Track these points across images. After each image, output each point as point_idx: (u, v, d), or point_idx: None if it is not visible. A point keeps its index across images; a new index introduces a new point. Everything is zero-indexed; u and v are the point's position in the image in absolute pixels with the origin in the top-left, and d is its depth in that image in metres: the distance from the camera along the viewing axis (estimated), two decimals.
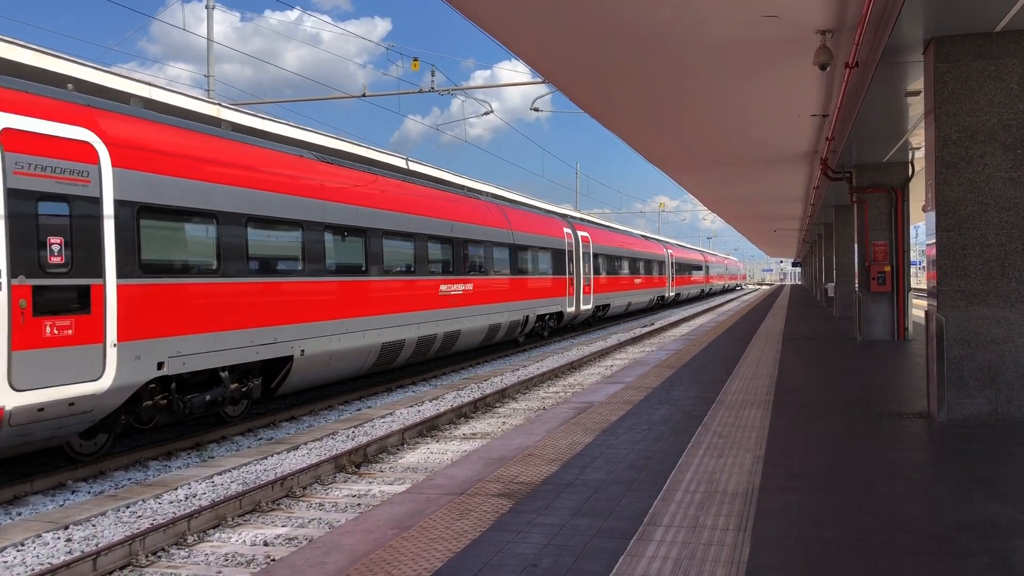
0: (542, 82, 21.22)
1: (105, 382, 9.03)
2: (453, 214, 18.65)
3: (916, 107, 10.83)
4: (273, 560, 6.54)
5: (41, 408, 8.31)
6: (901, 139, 13.65)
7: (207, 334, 10.64)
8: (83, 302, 8.81)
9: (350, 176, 14.78)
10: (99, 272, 9.04)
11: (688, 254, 60.27)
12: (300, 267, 12.69)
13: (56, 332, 8.47)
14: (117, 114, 9.93)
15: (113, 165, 9.31)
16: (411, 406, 13.67)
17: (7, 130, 8.18)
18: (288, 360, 12.36)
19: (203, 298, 10.65)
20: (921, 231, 26.75)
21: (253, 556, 6.71)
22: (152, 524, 7.41)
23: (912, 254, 18.22)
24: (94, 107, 9.58)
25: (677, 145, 16.09)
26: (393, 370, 17.60)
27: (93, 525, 7.56)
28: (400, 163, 25.29)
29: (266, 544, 7.03)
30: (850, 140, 13.45)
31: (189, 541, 7.08)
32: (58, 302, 8.53)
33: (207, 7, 22.85)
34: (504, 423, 12.31)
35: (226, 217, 11.13)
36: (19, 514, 8.18)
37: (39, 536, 7.19)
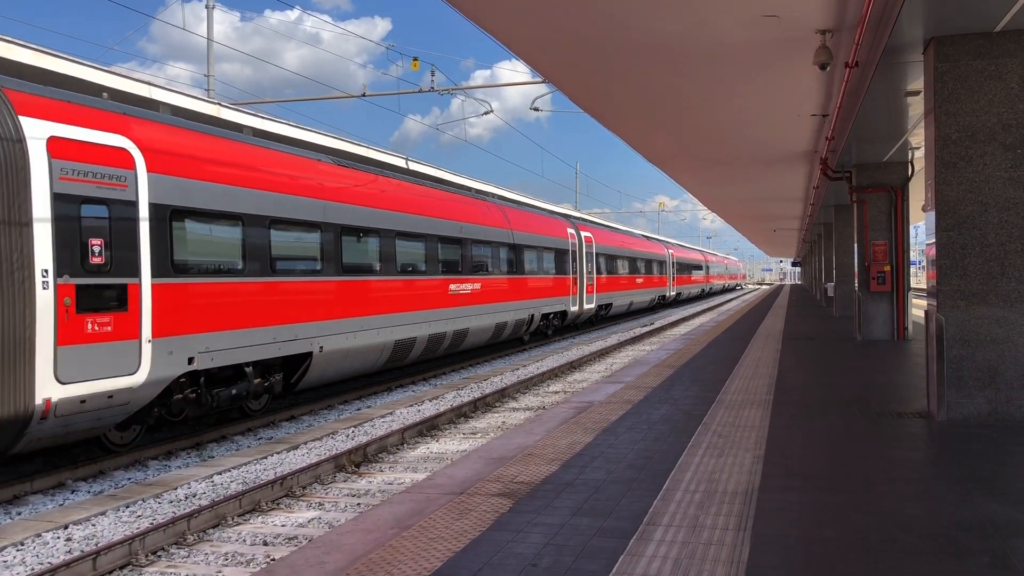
0: (542, 82, 21.22)
1: (140, 376, 9.53)
2: (461, 215, 19.10)
3: (916, 107, 10.83)
4: (273, 559, 6.54)
5: (83, 400, 8.78)
6: (901, 139, 13.65)
7: (233, 331, 11.13)
8: (121, 300, 9.30)
9: (366, 179, 15.29)
10: (135, 272, 9.53)
11: (689, 254, 60.35)
12: (319, 267, 13.16)
13: (97, 328, 8.95)
14: (150, 121, 10.42)
15: (148, 170, 9.79)
16: (411, 406, 13.67)
17: (53, 138, 8.65)
18: (308, 356, 12.82)
19: (230, 296, 11.13)
20: (921, 231, 26.75)
21: (253, 555, 6.71)
22: (152, 524, 7.41)
23: (912, 254, 18.22)
24: (129, 115, 10.05)
25: (677, 145, 16.08)
26: (393, 370, 17.65)
27: (93, 525, 7.56)
28: (400, 163, 25.29)
29: (266, 543, 7.03)
30: (850, 140, 13.45)
31: (189, 540, 7.08)
32: (98, 300, 9.01)
33: (207, 7, 22.85)
34: (504, 423, 12.31)
35: (251, 219, 11.60)
36: (19, 513, 8.19)
37: (39, 536, 7.19)
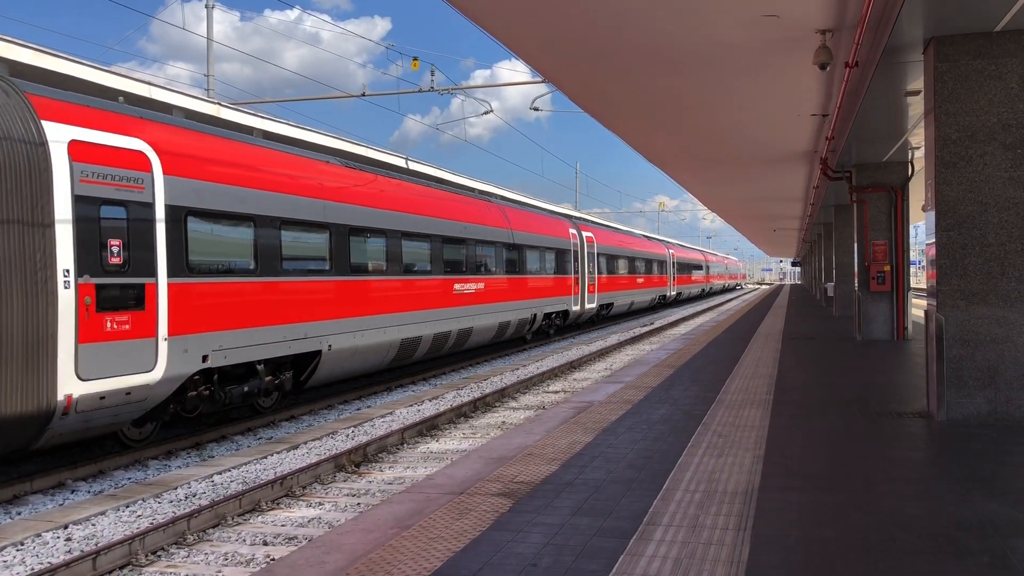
0: (542, 81, 21.22)
1: (157, 373, 9.77)
2: (465, 216, 19.35)
3: (916, 107, 10.83)
4: (273, 559, 6.54)
5: (103, 397, 9.03)
6: (901, 139, 13.65)
7: (246, 329, 11.38)
8: (139, 299, 9.55)
9: (373, 181, 15.56)
10: (152, 272, 9.77)
11: (689, 254, 60.41)
12: (328, 267, 13.43)
13: (115, 327, 9.19)
14: (165, 124, 10.65)
15: (164, 173, 10.02)
16: (411, 405, 13.67)
17: (74, 142, 8.88)
18: (317, 355, 13.06)
19: (242, 296, 11.38)
20: (921, 231, 26.76)
21: (253, 555, 6.71)
22: (152, 523, 7.41)
23: (912, 254, 18.22)
24: (145, 118, 10.30)
25: (677, 145, 16.08)
26: (393, 369, 17.67)
27: (93, 524, 7.56)
28: (399, 162, 25.29)
29: (266, 543, 7.03)
30: (850, 140, 13.45)
31: (189, 540, 7.08)
32: (117, 299, 9.25)
33: (207, 6, 22.84)
34: (504, 422, 12.31)
35: (262, 220, 11.84)
36: (19, 513, 8.19)
37: (39, 535, 7.19)
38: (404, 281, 15.87)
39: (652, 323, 34.72)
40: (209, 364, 10.64)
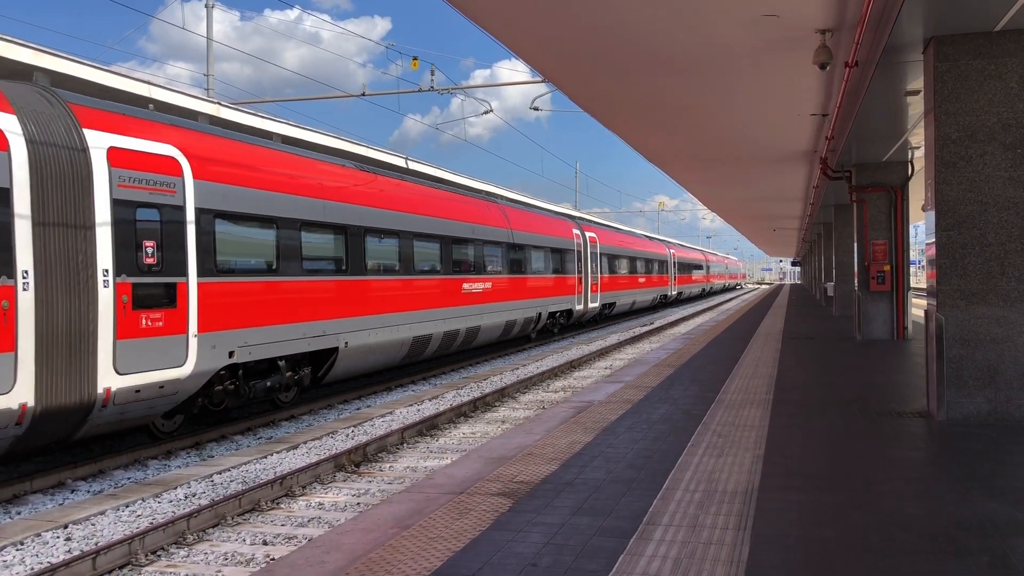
0: (542, 81, 21.20)
1: (187, 368, 10.25)
2: (473, 217, 19.82)
3: (916, 106, 10.82)
4: (273, 559, 6.54)
5: (138, 390, 9.56)
6: (901, 138, 13.64)
7: (269, 327, 11.88)
8: (171, 298, 10.05)
9: (387, 183, 16.08)
10: (183, 271, 10.27)
11: (690, 254, 60.50)
12: (345, 267, 13.91)
13: (150, 324, 9.71)
14: (194, 131, 11.15)
15: (194, 177, 10.51)
16: (410, 405, 13.68)
17: (112, 148, 9.38)
18: (334, 351, 13.52)
19: (266, 295, 11.86)
20: (921, 230, 26.74)
21: (253, 555, 6.71)
22: (152, 523, 7.41)
23: (912, 253, 18.22)
24: (176, 125, 10.81)
25: (677, 145, 16.09)
26: (393, 369, 17.70)
27: (92, 524, 7.56)
28: (399, 162, 25.28)
29: (266, 543, 7.03)
30: (850, 139, 13.45)
31: (189, 540, 7.08)
32: (152, 298, 9.77)
33: (206, 6, 22.84)
34: (504, 422, 12.31)
35: (284, 222, 12.34)
36: (19, 513, 8.19)
37: (38, 535, 7.19)
38: (416, 281, 16.36)
39: (652, 322, 34.73)
40: (235, 360, 11.13)
